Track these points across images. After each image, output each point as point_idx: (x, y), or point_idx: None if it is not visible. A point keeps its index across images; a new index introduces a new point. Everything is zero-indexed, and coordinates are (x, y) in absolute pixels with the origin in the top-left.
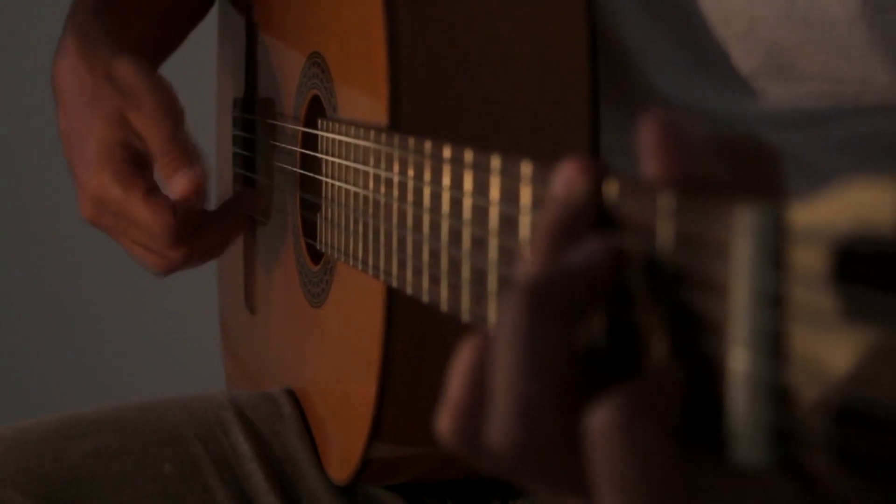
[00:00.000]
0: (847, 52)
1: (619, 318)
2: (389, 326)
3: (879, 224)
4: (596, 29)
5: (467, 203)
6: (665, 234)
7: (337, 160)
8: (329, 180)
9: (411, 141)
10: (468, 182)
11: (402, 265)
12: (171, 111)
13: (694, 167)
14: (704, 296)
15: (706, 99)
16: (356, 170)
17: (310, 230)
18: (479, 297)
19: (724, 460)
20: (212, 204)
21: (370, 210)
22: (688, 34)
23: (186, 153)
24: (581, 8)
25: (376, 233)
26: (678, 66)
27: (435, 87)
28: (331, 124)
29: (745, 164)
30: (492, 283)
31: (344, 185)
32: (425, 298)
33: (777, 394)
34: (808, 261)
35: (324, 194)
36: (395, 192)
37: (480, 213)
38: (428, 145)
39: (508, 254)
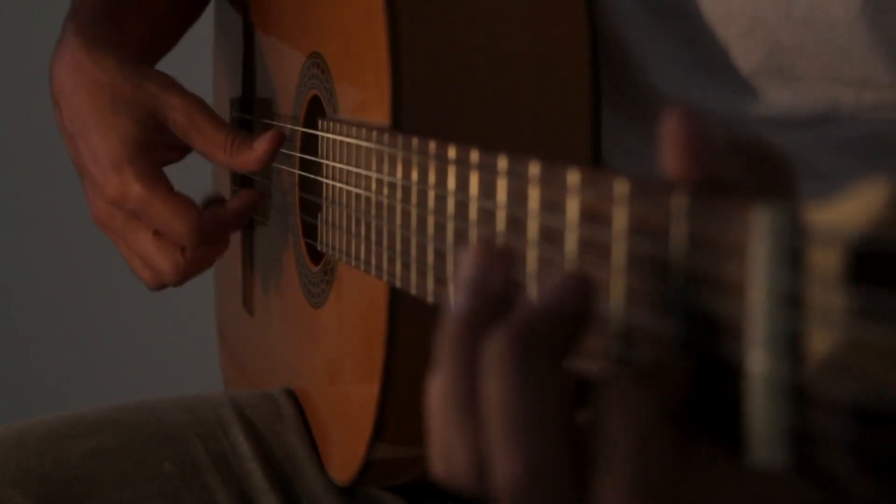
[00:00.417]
0: (847, 52)
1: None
2: (392, 327)
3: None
4: (596, 28)
5: (473, 205)
6: (678, 234)
7: (338, 162)
8: (330, 182)
9: (415, 141)
10: (474, 183)
11: (405, 266)
12: (204, 106)
13: (713, 167)
14: (719, 297)
15: (706, 99)
16: (358, 170)
17: (309, 230)
18: None
19: (733, 456)
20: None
21: (373, 211)
22: (688, 34)
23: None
24: (581, 8)
25: (379, 234)
26: (678, 65)
27: (436, 87)
28: (331, 124)
29: (759, 167)
30: None
31: (345, 187)
32: (430, 299)
33: (795, 395)
34: (826, 262)
35: (324, 195)
36: (399, 194)
37: (487, 214)
38: (432, 146)
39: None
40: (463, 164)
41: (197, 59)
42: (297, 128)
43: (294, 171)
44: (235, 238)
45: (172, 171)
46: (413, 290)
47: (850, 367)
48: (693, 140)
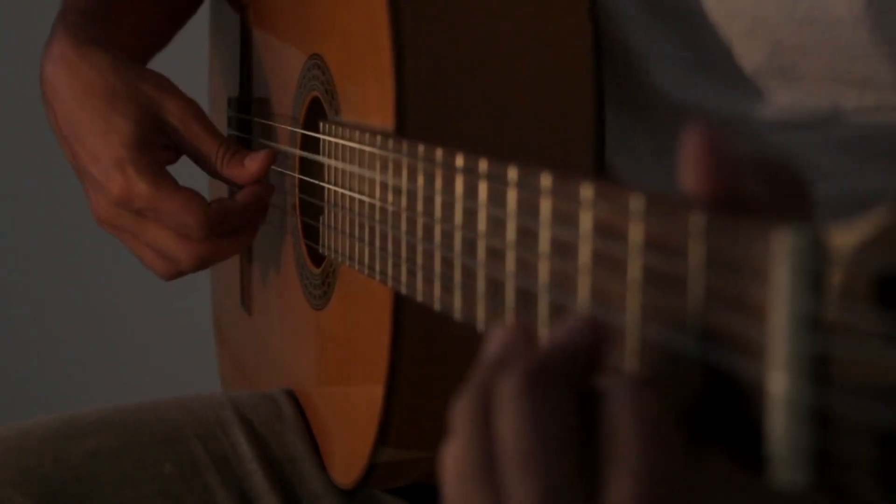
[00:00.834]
0: (850, 52)
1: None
2: (397, 330)
3: None
4: (599, 29)
5: (482, 213)
6: (696, 253)
7: (340, 164)
8: (332, 186)
9: (421, 148)
10: (483, 192)
11: (411, 273)
12: (200, 112)
13: (733, 185)
14: (739, 317)
15: (708, 99)
16: (361, 175)
17: (310, 232)
18: (496, 309)
19: (745, 469)
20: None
21: (377, 216)
22: (690, 34)
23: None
24: (584, 9)
25: (384, 239)
26: (680, 65)
27: (440, 89)
28: (333, 127)
29: (776, 185)
30: (509, 295)
31: (348, 192)
32: (437, 307)
33: (817, 417)
34: (849, 284)
35: (326, 198)
36: (404, 201)
37: (496, 224)
38: (439, 153)
39: (527, 266)
40: (471, 173)
41: (193, 58)
42: (297, 130)
43: (294, 173)
44: None
45: (172, 169)
46: (420, 297)
47: (873, 389)
48: (714, 157)
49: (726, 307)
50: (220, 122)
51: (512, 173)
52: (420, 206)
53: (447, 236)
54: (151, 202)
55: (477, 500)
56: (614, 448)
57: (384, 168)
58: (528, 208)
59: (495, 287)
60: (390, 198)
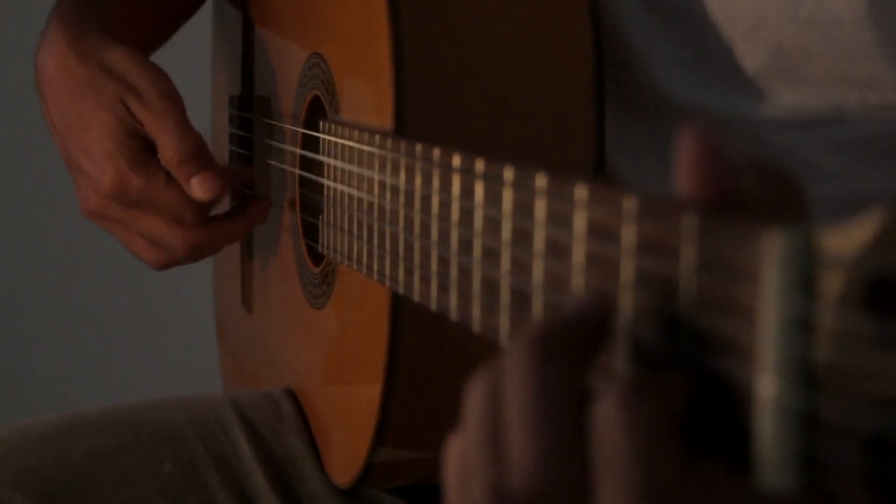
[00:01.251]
0: (852, 52)
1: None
2: (394, 330)
3: None
4: (600, 30)
5: (478, 213)
6: (688, 254)
7: (339, 164)
8: (331, 184)
9: (419, 148)
10: (479, 193)
11: (408, 272)
12: (174, 100)
13: (727, 186)
14: (729, 319)
15: (710, 99)
16: (360, 174)
17: (310, 231)
18: (491, 308)
19: (738, 474)
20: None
21: (375, 215)
22: (692, 34)
23: (198, 152)
24: (584, 9)
25: (381, 238)
26: (682, 66)
27: (439, 89)
28: (333, 127)
29: (770, 188)
30: (504, 295)
31: (347, 190)
32: (433, 307)
33: (805, 420)
34: (839, 287)
35: (326, 197)
36: (402, 200)
37: (492, 224)
38: (437, 153)
39: (521, 266)
40: (468, 173)
41: (195, 56)
42: (297, 129)
43: (295, 170)
44: None
45: None
46: (416, 297)
47: (862, 393)
48: (709, 158)
49: (718, 309)
50: (222, 120)
51: (508, 173)
52: (417, 206)
53: (444, 235)
54: (145, 193)
55: (480, 473)
56: (608, 460)
57: (382, 167)
58: (524, 208)
59: (490, 287)
60: (388, 197)
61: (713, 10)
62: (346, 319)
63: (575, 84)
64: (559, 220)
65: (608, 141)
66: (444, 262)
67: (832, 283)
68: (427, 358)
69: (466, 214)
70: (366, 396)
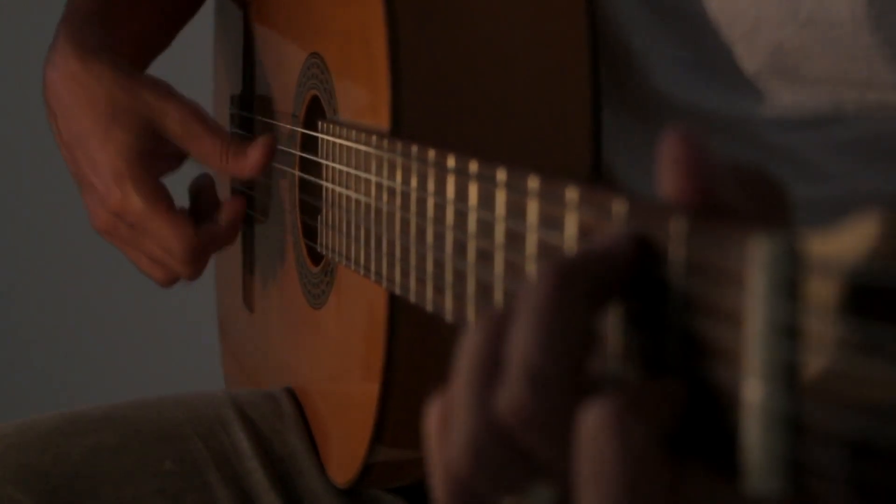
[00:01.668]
0: (851, 53)
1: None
2: (392, 330)
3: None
4: (597, 30)
5: (472, 216)
6: (676, 259)
7: (337, 164)
8: (329, 185)
9: (414, 148)
10: (473, 194)
11: (405, 273)
12: (200, 113)
13: (711, 189)
14: (716, 324)
15: (709, 100)
16: (357, 175)
17: (309, 231)
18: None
19: (726, 481)
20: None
21: (372, 216)
22: (691, 35)
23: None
24: (582, 9)
25: (378, 239)
26: (681, 66)
27: (436, 89)
28: (331, 127)
29: (755, 193)
30: (498, 297)
31: (345, 191)
32: (429, 308)
33: (790, 425)
34: (824, 293)
35: (324, 197)
36: (398, 201)
37: (485, 226)
38: (432, 154)
39: (514, 269)
40: (462, 174)
41: (197, 55)
42: (297, 129)
43: (294, 171)
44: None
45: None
46: (413, 298)
47: (847, 398)
48: (692, 162)
49: (705, 313)
50: (223, 120)
51: (501, 175)
52: (413, 207)
53: (439, 237)
54: (143, 219)
55: (464, 417)
56: (596, 473)
57: (379, 168)
58: (516, 210)
59: (484, 289)
60: (385, 196)
61: (713, 10)
62: (344, 319)
63: (572, 85)
64: (551, 222)
65: (608, 141)
66: (438, 264)
67: (818, 289)
68: (425, 357)
69: (460, 216)
70: (364, 395)
